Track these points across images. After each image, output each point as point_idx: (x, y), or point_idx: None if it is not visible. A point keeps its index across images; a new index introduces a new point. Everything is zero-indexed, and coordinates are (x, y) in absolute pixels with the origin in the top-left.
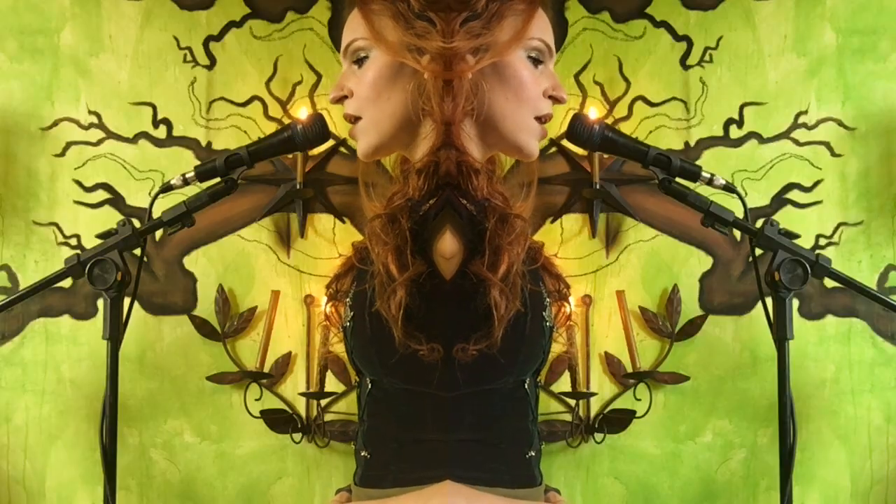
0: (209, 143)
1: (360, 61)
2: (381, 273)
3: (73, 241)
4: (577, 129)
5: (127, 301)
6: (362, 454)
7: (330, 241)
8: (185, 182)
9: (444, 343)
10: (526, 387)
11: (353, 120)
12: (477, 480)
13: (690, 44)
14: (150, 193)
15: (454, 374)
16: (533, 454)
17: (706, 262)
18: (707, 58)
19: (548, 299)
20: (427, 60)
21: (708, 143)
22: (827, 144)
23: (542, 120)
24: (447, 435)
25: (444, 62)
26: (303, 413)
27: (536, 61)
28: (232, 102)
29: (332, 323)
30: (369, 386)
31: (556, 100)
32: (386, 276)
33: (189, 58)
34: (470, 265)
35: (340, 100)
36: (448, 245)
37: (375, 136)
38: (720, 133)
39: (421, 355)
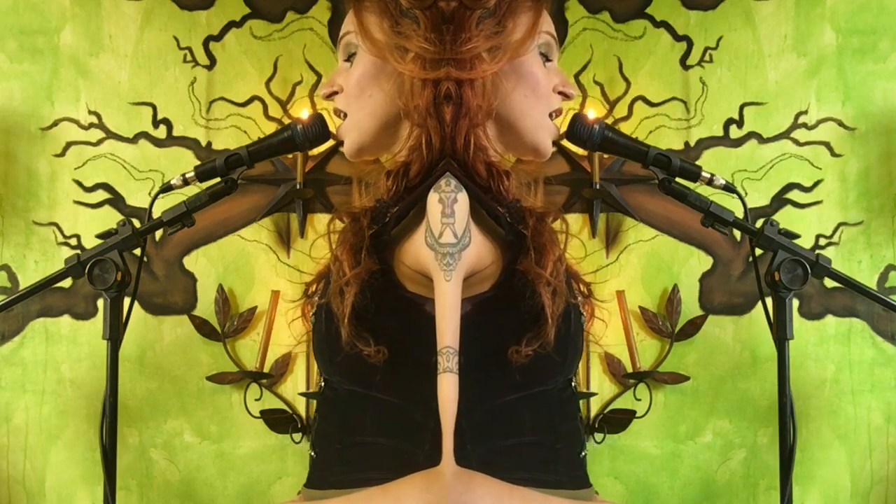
0: (209, 143)
1: (350, 57)
2: (335, 270)
3: (73, 241)
4: (577, 129)
5: (127, 301)
6: (310, 454)
7: (326, 238)
8: (185, 182)
9: (390, 346)
10: (573, 386)
11: (342, 115)
12: (540, 482)
13: (690, 44)
14: (150, 193)
15: (513, 377)
16: (585, 454)
17: (706, 262)
18: (707, 58)
19: (579, 297)
20: (408, 60)
21: (708, 143)
22: (827, 144)
23: (553, 115)
24: (384, 440)
25: (423, 63)
26: (303, 413)
27: (545, 58)
28: (232, 102)
29: (306, 320)
30: (322, 385)
31: (565, 96)
32: (339, 273)
33: (189, 58)
34: (519, 264)
35: (331, 95)
36: (409, 255)
37: (358, 135)
38: (720, 133)
39: (365, 356)
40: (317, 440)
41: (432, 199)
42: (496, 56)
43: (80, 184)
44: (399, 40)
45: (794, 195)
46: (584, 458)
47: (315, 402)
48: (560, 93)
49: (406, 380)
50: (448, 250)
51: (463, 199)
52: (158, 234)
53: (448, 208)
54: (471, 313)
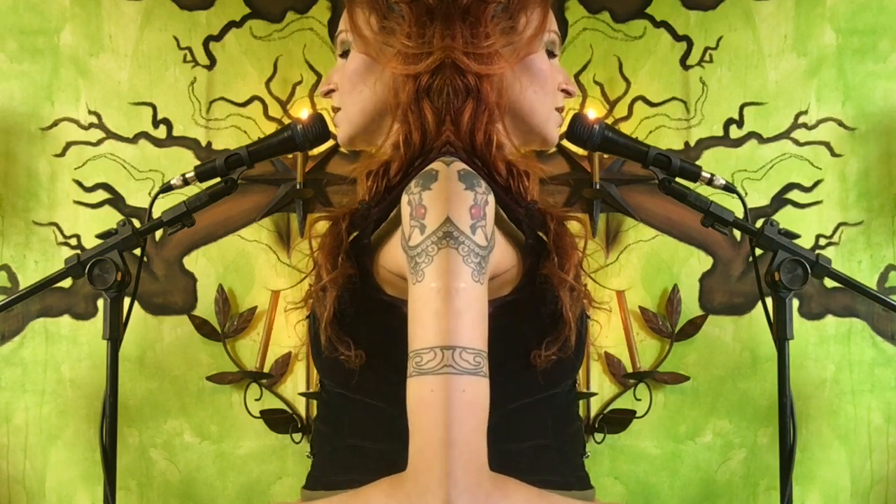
0: (209, 143)
1: (345, 54)
2: (315, 275)
3: (73, 241)
4: (577, 129)
5: (127, 301)
6: (307, 455)
7: (308, 240)
8: (185, 182)
9: (370, 350)
10: (577, 387)
11: (338, 112)
12: (552, 484)
13: (690, 44)
14: (150, 193)
15: (534, 379)
16: (588, 455)
17: (706, 262)
18: (707, 58)
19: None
20: (391, 56)
21: (708, 143)
22: (827, 144)
23: (557, 112)
24: (370, 442)
25: (404, 58)
26: (303, 413)
27: (550, 54)
28: (232, 102)
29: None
30: (319, 387)
31: (567, 93)
32: (317, 277)
33: (189, 58)
34: (542, 268)
35: (329, 93)
36: (388, 257)
37: (349, 127)
38: (720, 133)
39: (343, 360)
40: (312, 441)
41: (403, 200)
42: (512, 52)
43: (80, 184)
44: (384, 37)
45: (794, 195)
46: (585, 460)
47: (315, 402)
48: (562, 90)
49: (387, 383)
50: (414, 252)
51: (492, 201)
52: (158, 234)
53: (480, 210)
54: (491, 317)
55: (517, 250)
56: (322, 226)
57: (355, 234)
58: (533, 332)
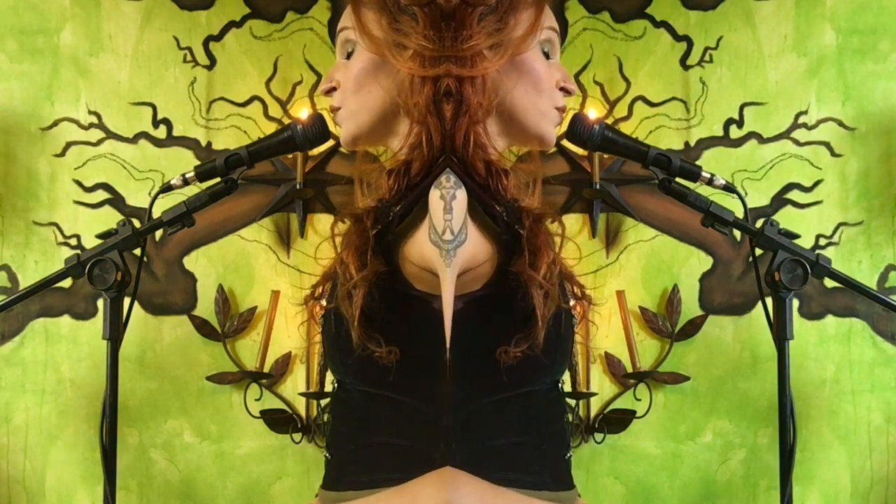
0: (209, 143)
1: (349, 53)
2: (342, 273)
3: (73, 241)
4: (577, 129)
5: (127, 301)
6: (325, 456)
7: (330, 240)
8: (185, 182)
9: (400, 346)
10: (560, 387)
11: (338, 111)
12: (522, 483)
13: (690, 44)
14: (150, 193)
15: (500, 377)
16: (570, 455)
17: (706, 262)
18: (707, 58)
19: (571, 299)
20: (407, 57)
21: (708, 143)
22: (827, 144)
23: (557, 112)
24: (399, 439)
25: (422, 60)
26: (303, 413)
27: (547, 54)
28: (232, 102)
29: (315, 322)
30: (335, 386)
31: (566, 91)
32: (345, 276)
33: (189, 58)
34: (512, 265)
35: (329, 91)
36: (414, 252)
37: (353, 126)
38: (720, 133)
39: (377, 357)
40: (331, 441)
41: (434, 195)
42: (497, 53)
43: (80, 184)
44: (397, 37)
45: (794, 195)
46: (568, 460)
47: (315, 402)
48: (561, 89)
49: (417, 379)
50: (448, 246)
51: (462, 195)
52: (158, 234)
53: (448, 204)
54: (461, 311)
55: (494, 246)
56: (342, 225)
57: (378, 228)
58: (503, 329)
